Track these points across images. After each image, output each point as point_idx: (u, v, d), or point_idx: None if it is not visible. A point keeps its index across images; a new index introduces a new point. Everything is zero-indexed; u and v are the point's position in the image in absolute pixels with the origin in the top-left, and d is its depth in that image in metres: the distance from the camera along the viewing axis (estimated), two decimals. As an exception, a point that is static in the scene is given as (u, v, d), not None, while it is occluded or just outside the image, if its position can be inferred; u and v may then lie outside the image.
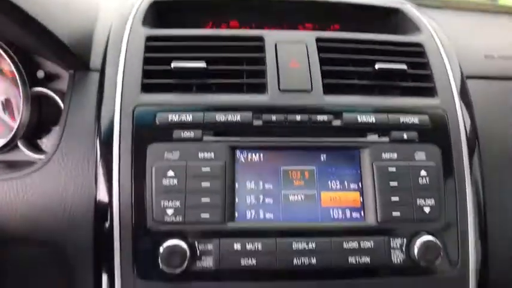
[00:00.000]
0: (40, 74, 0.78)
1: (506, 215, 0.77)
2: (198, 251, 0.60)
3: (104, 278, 0.61)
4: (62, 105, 0.76)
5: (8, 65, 0.76)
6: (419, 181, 0.64)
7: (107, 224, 0.61)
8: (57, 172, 0.68)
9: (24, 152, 0.80)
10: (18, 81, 0.76)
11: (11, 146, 0.80)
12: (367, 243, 0.61)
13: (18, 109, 0.77)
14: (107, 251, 0.61)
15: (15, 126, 0.77)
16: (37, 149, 0.83)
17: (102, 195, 0.62)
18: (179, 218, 0.60)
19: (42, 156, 0.77)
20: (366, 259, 0.61)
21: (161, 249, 0.58)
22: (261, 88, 0.68)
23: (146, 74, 0.67)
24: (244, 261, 0.60)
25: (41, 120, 0.82)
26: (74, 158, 0.69)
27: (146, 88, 0.66)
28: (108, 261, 0.60)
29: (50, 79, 0.80)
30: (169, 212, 0.60)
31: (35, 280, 0.70)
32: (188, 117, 0.64)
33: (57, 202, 0.67)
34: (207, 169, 0.62)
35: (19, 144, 0.80)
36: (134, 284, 0.60)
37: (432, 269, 0.63)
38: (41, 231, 0.67)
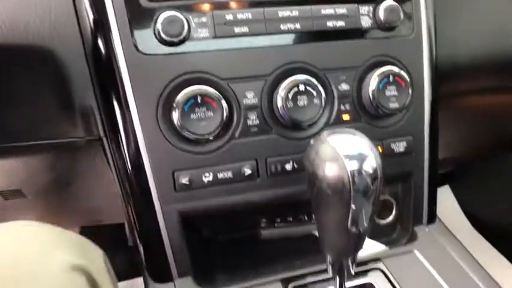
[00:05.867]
0: None
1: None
2: (193, 23, 0.64)
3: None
4: None
5: None
6: None
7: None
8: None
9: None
10: None
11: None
12: (341, 10, 0.70)
13: None
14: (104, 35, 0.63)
15: None
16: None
17: None
18: None
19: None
20: (342, 23, 0.70)
21: (160, 19, 0.62)
22: None
23: None
24: (237, 30, 0.66)
25: None
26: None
27: None
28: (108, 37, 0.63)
29: None
30: None
31: (28, 87, 0.70)
32: None
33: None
34: None
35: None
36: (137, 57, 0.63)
37: (395, 31, 0.74)
38: (28, 34, 0.67)
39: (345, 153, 0.50)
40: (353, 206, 0.51)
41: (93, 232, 1.31)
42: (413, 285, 0.67)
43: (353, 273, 0.60)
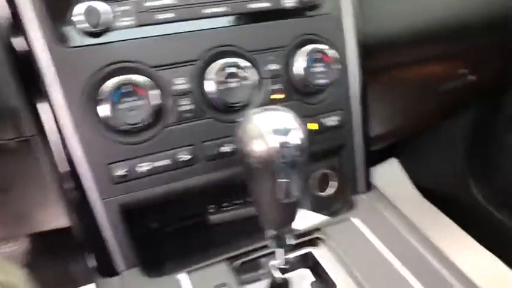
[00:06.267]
0: None
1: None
2: (115, 12, 0.63)
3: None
4: None
5: None
6: None
7: None
8: None
9: None
10: None
11: None
12: None
13: None
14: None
15: None
16: None
17: None
18: None
19: None
20: (265, 4, 0.72)
21: (80, 9, 0.61)
22: None
23: None
24: (160, 16, 0.66)
25: None
26: None
27: None
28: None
29: None
30: None
31: None
32: None
33: None
34: None
35: None
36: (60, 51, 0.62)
37: (318, 9, 0.76)
38: None
39: (269, 129, 0.52)
40: (282, 178, 0.53)
41: (43, 240, 1.27)
42: (351, 249, 0.70)
43: (293, 243, 0.63)
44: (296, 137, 0.53)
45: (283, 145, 0.52)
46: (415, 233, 0.77)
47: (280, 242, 0.62)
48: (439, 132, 1.75)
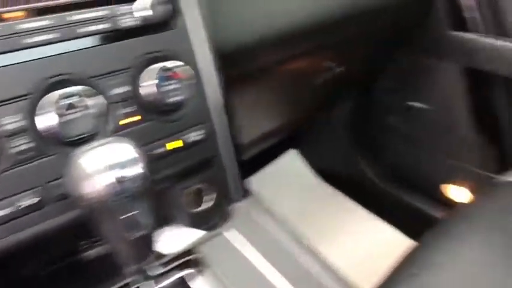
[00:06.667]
0: None
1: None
2: None
3: None
4: None
5: None
6: None
7: None
8: None
9: None
10: None
11: None
12: (98, 13, 0.67)
13: None
14: None
15: None
16: None
17: None
18: None
19: None
20: (102, 26, 0.68)
21: None
22: None
23: None
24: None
25: None
26: None
27: None
28: None
29: None
30: None
31: None
32: None
33: None
34: None
35: None
36: None
37: (162, 26, 0.74)
38: None
39: (98, 167, 0.49)
40: (127, 213, 0.51)
41: None
42: (226, 264, 0.70)
43: (161, 271, 0.61)
44: (132, 168, 0.51)
45: (119, 180, 0.49)
46: (290, 238, 0.80)
47: (144, 275, 0.60)
48: (329, 120, 1.86)
